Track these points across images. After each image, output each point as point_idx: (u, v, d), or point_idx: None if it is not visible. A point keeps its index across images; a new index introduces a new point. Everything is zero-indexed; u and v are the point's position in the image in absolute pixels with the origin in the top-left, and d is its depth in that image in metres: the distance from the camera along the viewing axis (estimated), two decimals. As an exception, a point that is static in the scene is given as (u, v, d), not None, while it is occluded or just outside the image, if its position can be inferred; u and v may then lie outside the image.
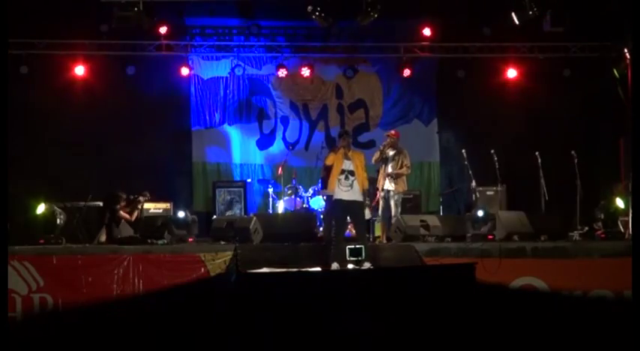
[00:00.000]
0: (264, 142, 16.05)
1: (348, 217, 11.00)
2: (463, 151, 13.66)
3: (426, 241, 11.67)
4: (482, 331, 9.49)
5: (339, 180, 10.60)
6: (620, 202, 12.78)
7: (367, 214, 12.48)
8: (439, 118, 16.22)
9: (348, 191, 10.55)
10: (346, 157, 10.67)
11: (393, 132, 13.22)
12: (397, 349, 9.02)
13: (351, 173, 10.62)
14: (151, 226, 12.11)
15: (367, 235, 11.20)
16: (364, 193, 10.88)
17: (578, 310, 10.37)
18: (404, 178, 12.72)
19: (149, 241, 11.39)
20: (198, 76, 15.88)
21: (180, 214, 11.99)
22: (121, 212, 11.96)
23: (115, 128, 15.21)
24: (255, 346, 8.91)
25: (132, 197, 12.37)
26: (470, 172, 13.51)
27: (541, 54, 15.48)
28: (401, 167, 12.65)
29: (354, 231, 11.80)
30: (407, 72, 15.73)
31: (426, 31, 15.36)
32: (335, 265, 10.37)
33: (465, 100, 15.90)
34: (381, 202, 12.69)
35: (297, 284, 9.15)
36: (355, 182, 10.60)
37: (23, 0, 13.79)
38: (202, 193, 15.72)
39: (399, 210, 12.64)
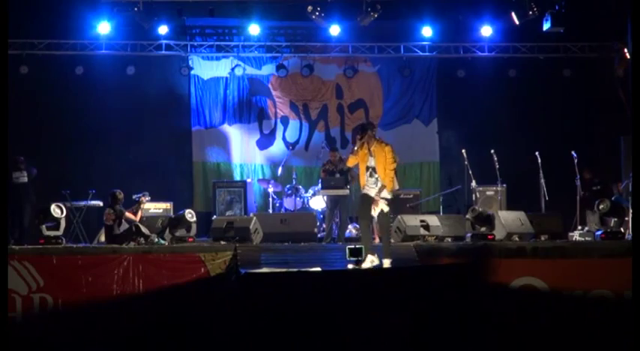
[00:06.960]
0: (264, 142, 16.05)
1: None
2: (463, 151, 13.66)
3: (426, 241, 11.66)
4: (482, 330, 9.50)
5: (366, 178, 10.04)
6: (619, 202, 12.76)
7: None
8: (439, 118, 16.21)
9: (373, 188, 9.95)
10: (370, 154, 10.00)
11: None
12: (397, 348, 9.03)
13: (375, 170, 9.99)
14: (151, 226, 12.11)
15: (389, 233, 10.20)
16: (382, 189, 9.94)
17: (578, 310, 10.39)
18: None
19: (149, 238, 11.41)
20: (198, 76, 15.88)
21: (189, 214, 11.97)
22: (127, 213, 11.96)
23: (115, 128, 15.23)
24: (255, 346, 8.91)
25: (134, 197, 12.37)
26: (470, 172, 13.51)
27: (541, 54, 15.50)
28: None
29: (354, 231, 11.66)
30: (407, 72, 15.80)
31: (426, 31, 15.35)
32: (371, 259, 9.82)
33: (465, 100, 15.90)
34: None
35: (297, 284, 9.15)
36: (380, 179, 9.93)
37: (23, 0, 13.81)
38: (202, 193, 15.72)
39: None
